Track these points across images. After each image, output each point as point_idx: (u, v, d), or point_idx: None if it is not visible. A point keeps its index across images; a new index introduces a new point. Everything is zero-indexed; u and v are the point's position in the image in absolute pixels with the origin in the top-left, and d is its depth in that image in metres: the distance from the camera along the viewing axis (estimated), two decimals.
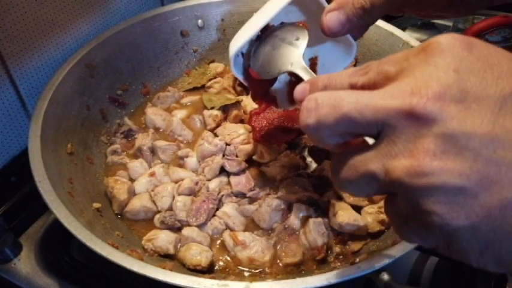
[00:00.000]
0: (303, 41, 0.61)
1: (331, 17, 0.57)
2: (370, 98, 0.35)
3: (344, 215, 0.67)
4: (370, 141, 0.37)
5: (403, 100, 0.33)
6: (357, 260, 0.62)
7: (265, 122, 0.77)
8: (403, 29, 1.04)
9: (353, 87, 0.39)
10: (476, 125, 0.31)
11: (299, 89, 0.44)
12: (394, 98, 0.34)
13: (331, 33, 0.58)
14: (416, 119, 0.32)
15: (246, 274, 0.65)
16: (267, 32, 0.65)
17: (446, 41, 0.34)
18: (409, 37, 0.86)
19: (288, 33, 0.63)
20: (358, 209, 0.70)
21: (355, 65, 0.93)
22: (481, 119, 0.31)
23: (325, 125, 0.37)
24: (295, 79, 0.69)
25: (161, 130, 0.87)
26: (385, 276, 0.61)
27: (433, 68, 0.33)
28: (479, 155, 0.31)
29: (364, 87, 0.38)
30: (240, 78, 0.67)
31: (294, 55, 0.60)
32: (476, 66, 0.33)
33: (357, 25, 0.58)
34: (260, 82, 0.66)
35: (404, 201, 0.34)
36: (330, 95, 0.37)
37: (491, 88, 0.32)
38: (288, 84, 0.70)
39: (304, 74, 0.56)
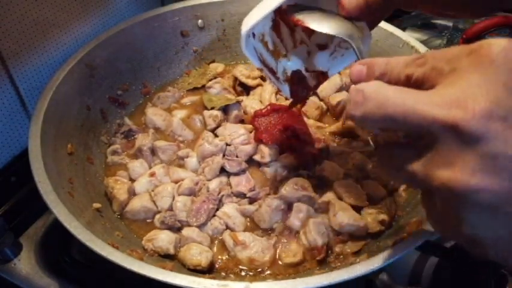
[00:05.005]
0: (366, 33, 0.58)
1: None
2: (417, 102, 0.35)
3: (344, 215, 0.67)
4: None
5: (448, 111, 0.33)
6: (357, 260, 0.62)
7: (268, 123, 0.78)
8: (403, 29, 1.04)
9: (409, 78, 0.39)
10: None
11: (356, 69, 0.43)
12: (440, 107, 0.34)
13: (347, 13, 0.58)
14: (460, 135, 0.33)
15: (246, 274, 0.65)
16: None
17: (499, 48, 0.34)
18: (409, 37, 0.86)
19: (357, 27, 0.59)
20: (358, 209, 0.70)
21: None
22: None
23: (370, 119, 0.38)
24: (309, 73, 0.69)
25: (161, 130, 0.87)
26: (385, 277, 0.61)
27: (482, 79, 0.33)
28: None
29: (418, 80, 0.38)
30: (254, 60, 0.65)
31: (356, 30, 0.56)
32: None
33: (375, 12, 0.58)
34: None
35: (441, 203, 0.37)
36: (378, 90, 0.38)
37: None
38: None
39: (359, 54, 0.53)
